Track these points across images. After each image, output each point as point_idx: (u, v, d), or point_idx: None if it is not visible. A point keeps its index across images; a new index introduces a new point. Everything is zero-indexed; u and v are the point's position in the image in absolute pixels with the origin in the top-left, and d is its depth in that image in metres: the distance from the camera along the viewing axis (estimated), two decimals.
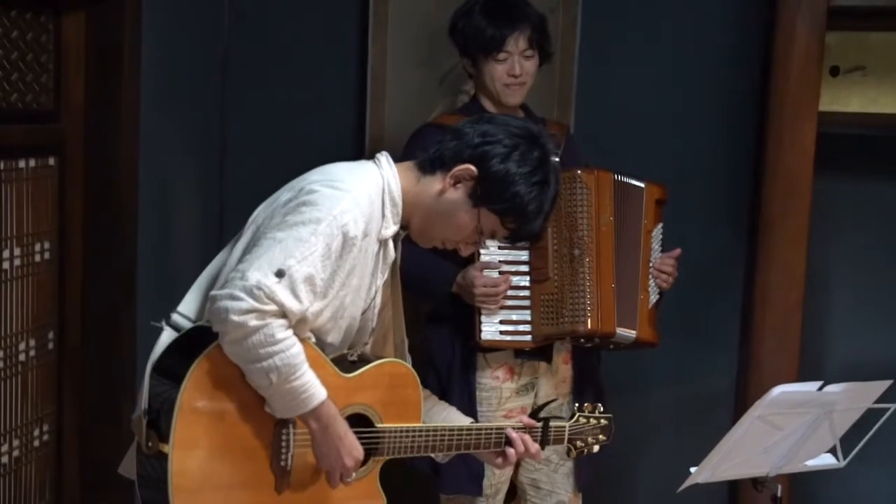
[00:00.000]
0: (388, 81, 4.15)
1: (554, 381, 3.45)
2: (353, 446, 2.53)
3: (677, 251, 3.46)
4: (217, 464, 2.46)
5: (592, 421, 2.90)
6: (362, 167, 2.58)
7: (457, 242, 2.65)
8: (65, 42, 3.57)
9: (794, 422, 2.83)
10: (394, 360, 2.71)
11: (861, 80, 4.02)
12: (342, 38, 4.21)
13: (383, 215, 2.55)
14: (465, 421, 2.79)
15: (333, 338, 2.58)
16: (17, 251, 3.41)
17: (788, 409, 2.78)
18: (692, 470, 2.86)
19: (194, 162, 4.10)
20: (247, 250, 2.48)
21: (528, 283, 3.31)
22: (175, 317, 2.54)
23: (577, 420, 2.88)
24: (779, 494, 2.96)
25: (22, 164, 3.43)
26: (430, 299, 3.46)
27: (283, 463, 2.51)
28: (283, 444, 2.50)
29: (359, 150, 4.19)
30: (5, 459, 3.43)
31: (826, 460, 3.02)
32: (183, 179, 4.05)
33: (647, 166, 3.61)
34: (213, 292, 2.42)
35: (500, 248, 3.31)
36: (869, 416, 2.93)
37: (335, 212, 2.42)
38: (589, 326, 3.26)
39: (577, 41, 4.20)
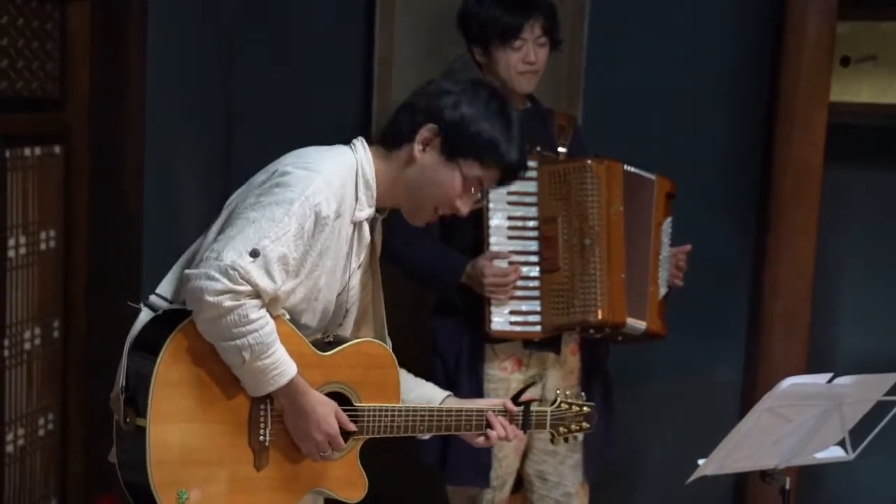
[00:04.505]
0: (394, 68, 4.13)
1: (562, 373, 3.44)
2: (321, 420, 2.52)
3: (687, 247, 3.45)
4: (195, 438, 2.46)
5: (575, 408, 2.90)
6: (336, 150, 2.60)
7: (451, 206, 2.62)
8: (70, 30, 3.56)
9: (804, 414, 2.81)
10: (371, 340, 2.70)
11: (872, 69, 4.00)
12: (349, 25, 4.19)
13: (357, 197, 2.56)
14: (442, 395, 2.78)
15: (308, 319, 2.59)
16: (22, 239, 3.41)
17: (798, 401, 2.76)
18: (700, 462, 2.85)
19: (200, 150, 4.09)
20: (221, 231, 2.50)
21: (537, 274, 3.30)
22: (153, 298, 2.56)
23: (559, 406, 2.88)
24: (787, 487, 2.94)
25: (27, 152, 3.42)
26: (438, 289, 3.45)
27: (261, 438, 2.51)
28: (262, 419, 2.51)
29: (365, 137, 4.17)
30: (10, 448, 3.42)
31: (835, 453, 3.01)
32: (189, 167, 4.04)
33: (657, 157, 3.59)
34: (187, 271, 2.44)
35: (509, 238, 3.30)
36: (878, 409, 2.91)
37: (308, 192, 2.44)
38: (600, 317, 3.25)
39: (586, 31, 4.18)
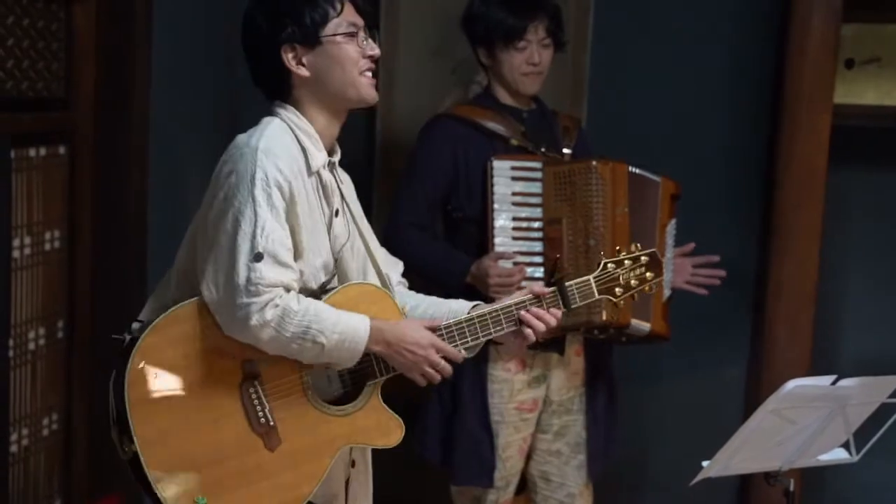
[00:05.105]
0: (399, 71, 4.14)
1: (566, 374, 3.44)
2: (420, 339, 2.52)
3: (690, 246, 3.46)
4: (193, 445, 2.45)
5: (627, 262, 2.68)
6: (260, 123, 2.59)
7: (364, 61, 2.58)
8: (76, 30, 3.56)
9: (808, 416, 2.81)
10: (356, 282, 2.63)
11: (876, 71, 4.01)
12: None
13: (303, 149, 2.54)
14: (468, 305, 2.70)
15: (321, 279, 2.56)
16: (27, 240, 3.41)
17: (802, 403, 2.76)
18: (704, 464, 2.84)
19: (205, 150, 4.08)
20: (198, 248, 2.50)
21: (542, 275, 3.30)
22: (136, 326, 2.54)
23: (605, 268, 2.67)
24: (791, 488, 2.94)
25: (32, 152, 3.42)
26: (442, 289, 3.45)
27: (262, 420, 2.49)
28: (256, 402, 2.49)
29: (370, 140, 4.17)
30: (14, 449, 3.42)
31: (839, 455, 3.00)
32: (193, 168, 4.04)
33: (661, 158, 3.60)
34: (222, 320, 2.44)
35: (514, 238, 3.30)
36: (882, 411, 2.91)
37: (256, 175, 2.43)
38: (604, 318, 3.25)
39: (590, 33, 4.18)
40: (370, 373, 2.56)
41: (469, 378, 3.35)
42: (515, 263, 3.27)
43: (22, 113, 3.38)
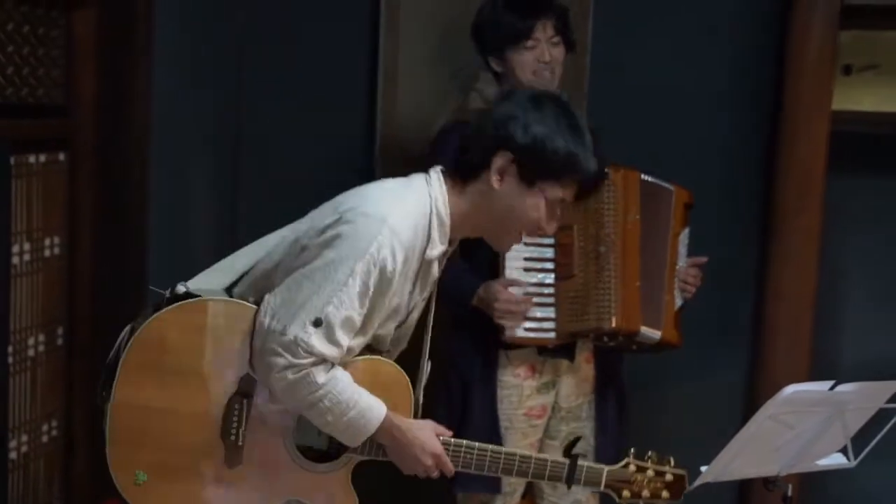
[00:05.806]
0: (400, 77, 4.13)
1: (576, 380, 3.43)
2: (425, 443, 2.52)
3: (703, 259, 3.45)
4: (159, 423, 2.48)
5: (650, 472, 2.71)
6: (410, 186, 2.51)
7: (536, 229, 2.56)
8: (76, 37, 3.57)
9: (806, 421, 2.81)
10: (383, 359, 2.60)
11: (874, 78, 4.01)
12: (354, 35, 4.20)
13: (429, 236, 2.48)
14: None
15: (365, 343, 2.56)
16: (26, 246, 3.41)
17: (800, 408, 2.76)
18: (703, 469, 2.85)
19: (206, 157, 4.09)
20: (283, 266, 2.48)
21: (552, 281, 3.29)
22: (180, 288, 2.53)
23: (626, 466, 2.70)
24: (789, 494, 2.94)
25: (32, 158, 3.42)
26: (450, 309, 3.43)
27: (233, 437, 2.49)
28: (236, 418, 2.49)
29: (370, 146, 4.17)
30: (14, 455, 3.42)
31: (837, 460, 3.00)
32: (195, 174, 4.04)
33: (659, 162, 3.59)
34: (256, 348, 2.44)
35: (525, 244, 3.24)
36: (880, 416, 2.92)
37: (372, 248, 2.37)
38: (614, 324, 3.23)
39: (589, 35, 4.19)
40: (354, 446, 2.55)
41: (479, 384, 3.33)
42: (526, 293, 3.25)
43: (22, 119, 3.39)
